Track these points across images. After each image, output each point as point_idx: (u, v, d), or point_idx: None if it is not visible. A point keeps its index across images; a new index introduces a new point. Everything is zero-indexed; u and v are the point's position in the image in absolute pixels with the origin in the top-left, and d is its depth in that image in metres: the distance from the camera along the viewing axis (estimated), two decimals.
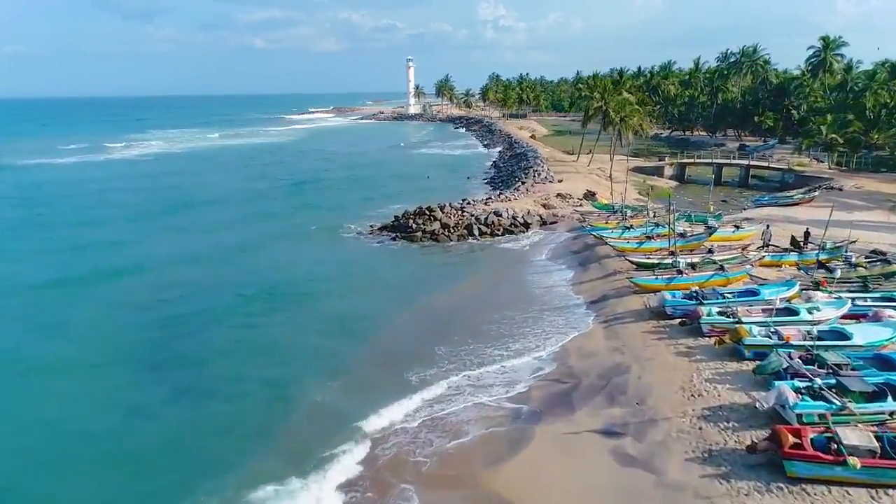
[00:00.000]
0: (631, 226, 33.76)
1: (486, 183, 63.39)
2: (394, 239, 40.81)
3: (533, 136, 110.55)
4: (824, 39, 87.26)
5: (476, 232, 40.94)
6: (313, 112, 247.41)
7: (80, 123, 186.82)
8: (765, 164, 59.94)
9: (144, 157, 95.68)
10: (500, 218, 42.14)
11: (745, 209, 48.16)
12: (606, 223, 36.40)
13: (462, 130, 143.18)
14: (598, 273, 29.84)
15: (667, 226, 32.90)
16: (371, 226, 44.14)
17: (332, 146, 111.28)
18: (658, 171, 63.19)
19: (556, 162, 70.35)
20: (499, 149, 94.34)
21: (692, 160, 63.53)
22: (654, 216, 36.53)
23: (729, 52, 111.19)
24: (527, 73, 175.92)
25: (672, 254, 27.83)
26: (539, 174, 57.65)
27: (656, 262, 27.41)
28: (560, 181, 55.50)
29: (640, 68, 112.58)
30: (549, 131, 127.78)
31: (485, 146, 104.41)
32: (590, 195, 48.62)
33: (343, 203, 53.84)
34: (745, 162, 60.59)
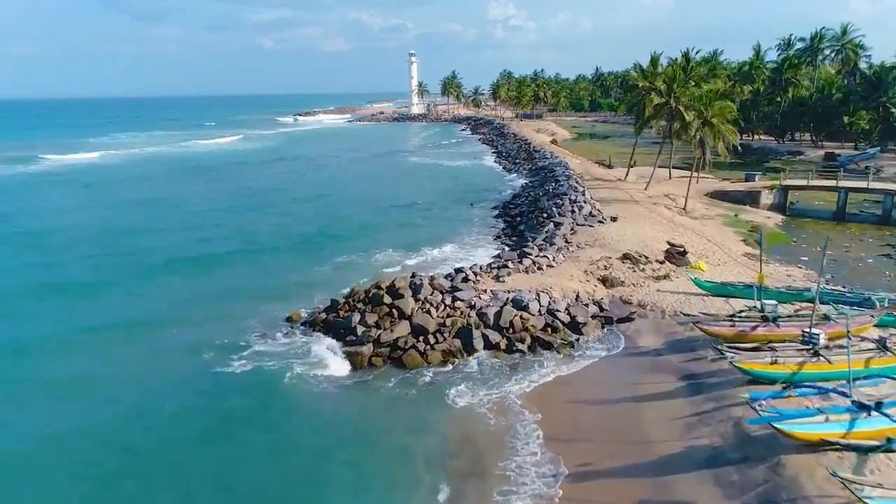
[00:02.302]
0: (872, 408, 12.99)
1: (496, 216, 43.02)
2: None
3: (554, 142, 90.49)
4: None
5: (479, 345, 20.94)
6: (316, 113, 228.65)
7: (51, 126, 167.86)
8: None
9: (62, 172, 75.04)
10: (525, 315, 21.99)
11: None
12: (773, 365, 15.88)
13: (469, 133, 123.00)
14: None
15: None
16: (290, 319, 24.37)
17: (314, 153, 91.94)
18: (751, 198, 42.76)
19: (594, 181, 49.97)
20: (517, 165, 74.29)
21: (805, 182, 42.62)
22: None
23: (794, 37, 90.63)
24: (541, 70, 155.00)
25: None
26: (580, 207, 36.99)
27: None
28: (614, 220, 35.13)
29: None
30: (571, 134, 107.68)
31: (494, 154, 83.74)
32: (678, 255, 28.13)
33: (271, 268, 31.72)
34: (891, 186, 39.78)
